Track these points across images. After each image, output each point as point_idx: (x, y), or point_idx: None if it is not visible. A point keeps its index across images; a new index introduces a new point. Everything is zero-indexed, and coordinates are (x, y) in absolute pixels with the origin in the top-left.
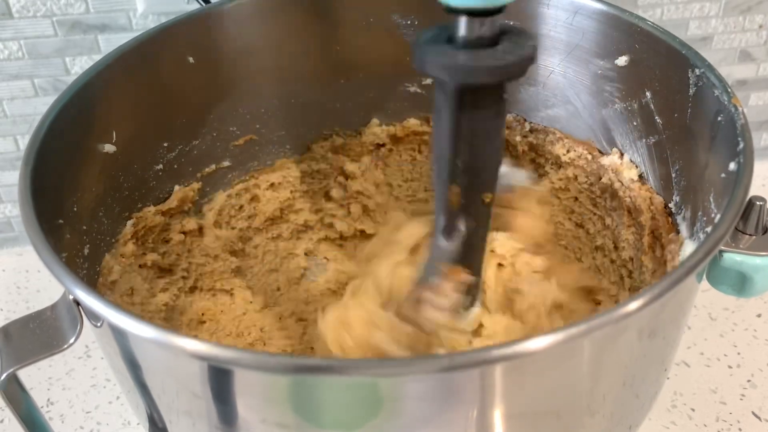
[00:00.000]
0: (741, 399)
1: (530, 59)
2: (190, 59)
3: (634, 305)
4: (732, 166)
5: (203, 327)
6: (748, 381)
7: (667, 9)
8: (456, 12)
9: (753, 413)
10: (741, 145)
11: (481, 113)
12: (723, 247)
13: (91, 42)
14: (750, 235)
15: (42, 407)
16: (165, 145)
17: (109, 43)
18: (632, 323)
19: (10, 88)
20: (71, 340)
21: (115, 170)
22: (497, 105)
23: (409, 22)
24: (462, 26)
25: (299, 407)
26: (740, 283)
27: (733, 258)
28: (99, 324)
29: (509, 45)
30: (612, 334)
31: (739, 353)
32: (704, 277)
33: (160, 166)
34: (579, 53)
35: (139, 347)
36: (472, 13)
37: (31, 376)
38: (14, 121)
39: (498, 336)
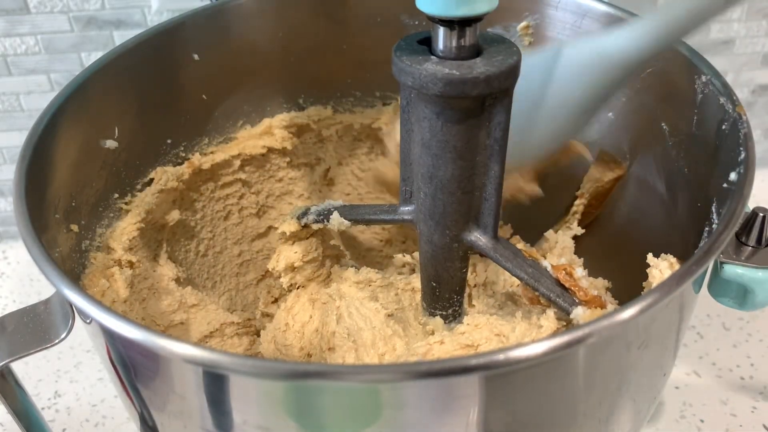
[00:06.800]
0: (752, 411)
1: (510, 73)
2: (195, 56)
3: (626, 314)
4: (733, 176)
5: (199, 319)
6: (761, 393)
7: None
8: (432, 20)
9: (764, 426)
10: (743, 155)
11: (454, 127)
12: (724, 259)
13: (106, 38)
14: (752, 247)
15: (49, 399)
16: (168, 141)
17: (124, 39)
18: (626, 330)
19: (26, 83)
20: (63, 335)
21: (117, 166)
22: (476, 119)
23: (416, 23)
24: (440, 35)
25: (290, 410)
26: (742, 296)
27: (734, 270)
28: (88, 321)
29: (489, 57)
30: (604, 342)
31: (752, 364)
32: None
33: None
34: None
35: (127, 347)
36: (450, 22)
37: (40, 368)
38: (30, 115)
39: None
